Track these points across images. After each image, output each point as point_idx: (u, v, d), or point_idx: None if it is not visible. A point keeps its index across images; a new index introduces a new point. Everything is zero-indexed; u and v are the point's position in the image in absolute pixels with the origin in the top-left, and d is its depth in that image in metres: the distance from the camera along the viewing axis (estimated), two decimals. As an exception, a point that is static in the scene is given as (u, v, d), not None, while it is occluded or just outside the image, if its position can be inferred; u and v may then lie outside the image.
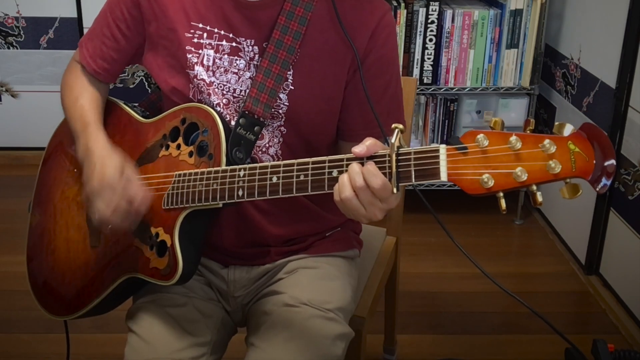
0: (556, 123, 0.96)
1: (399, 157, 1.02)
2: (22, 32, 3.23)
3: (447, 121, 2.89)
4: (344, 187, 1.05)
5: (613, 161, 0.92)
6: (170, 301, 1.36)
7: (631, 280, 2.31)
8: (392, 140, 1.02)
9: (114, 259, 1.33)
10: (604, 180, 0.92)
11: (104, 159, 1.27)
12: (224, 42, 1.30)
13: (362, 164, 1.05)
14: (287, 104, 1.30)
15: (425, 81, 2.81)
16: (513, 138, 0.94)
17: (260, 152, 1.33)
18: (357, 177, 1.04)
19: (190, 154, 1.26)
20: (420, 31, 2.75)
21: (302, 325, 1.31)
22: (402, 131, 1.03)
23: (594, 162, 0.92)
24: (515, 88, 2.85)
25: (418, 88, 2.76)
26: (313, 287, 1.37)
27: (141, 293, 1.40)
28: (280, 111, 1.30)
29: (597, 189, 0.93)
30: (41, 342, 2.19)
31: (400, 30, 2.74)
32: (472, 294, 2.47)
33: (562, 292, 2.54)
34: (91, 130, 1.33)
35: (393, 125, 1.03)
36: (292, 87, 1.29)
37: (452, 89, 2.84)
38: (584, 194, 0.94)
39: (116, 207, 1.23)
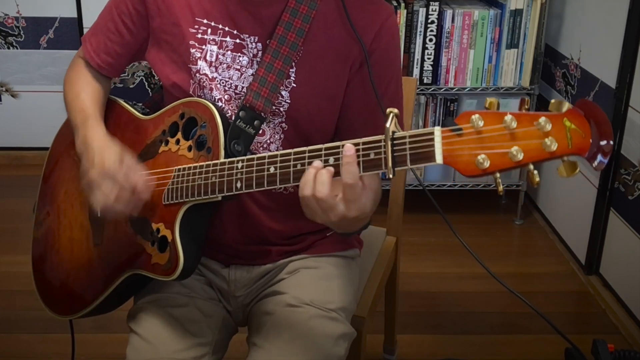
0: (552, 101, 0.92)
1: (394, 142, 1.01)
2: (22, 32, 3.23)
3: (447, 121, 2.89)
4: (306, 185, 1.06)
5: (610, 141, 0.90)
6: (171, 301, 1.36)
7: (631, 280, 2.31)
8: (387, 125, 1.00)
9: (116, 256, 1.33)
10: (600, 157, 0.90)
11: (103, 149, 1.27)
12: (227, 39, 1.30)
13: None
14: (289, 101, 1.30)
15: (425, 81, 2.81)
16: (508, 117, 0.91)
17: (261, 148, 1.33)
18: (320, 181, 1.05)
19: (189, 149, 1.26)
20: (420, 31, 2.75)
21: (305, 326, 1.31)
22: (397, 115, 1.01)
23: (591, 139, 0.89)
24: (515, 88, 2.85)
25: (418, 88, 2.76)
26: (315, 287, 1.37)
27: (142, 293, 1.40)
28: (282, 109, 1.30)
29: (594, 166, 0.90)
30: (41, 342, 2.19)
31: (400, 30, 2.74)
32: (472, 294, 2.47)
33: (562, 292, 2.54)
34: (91, 123, 1.33)
35: (388, 110, 1.01)
36: (295, 85, 1.29)
37: (452, 89, 2.84)
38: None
39: (118, 195, 1.22)
